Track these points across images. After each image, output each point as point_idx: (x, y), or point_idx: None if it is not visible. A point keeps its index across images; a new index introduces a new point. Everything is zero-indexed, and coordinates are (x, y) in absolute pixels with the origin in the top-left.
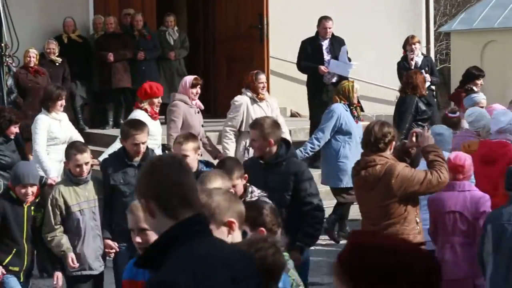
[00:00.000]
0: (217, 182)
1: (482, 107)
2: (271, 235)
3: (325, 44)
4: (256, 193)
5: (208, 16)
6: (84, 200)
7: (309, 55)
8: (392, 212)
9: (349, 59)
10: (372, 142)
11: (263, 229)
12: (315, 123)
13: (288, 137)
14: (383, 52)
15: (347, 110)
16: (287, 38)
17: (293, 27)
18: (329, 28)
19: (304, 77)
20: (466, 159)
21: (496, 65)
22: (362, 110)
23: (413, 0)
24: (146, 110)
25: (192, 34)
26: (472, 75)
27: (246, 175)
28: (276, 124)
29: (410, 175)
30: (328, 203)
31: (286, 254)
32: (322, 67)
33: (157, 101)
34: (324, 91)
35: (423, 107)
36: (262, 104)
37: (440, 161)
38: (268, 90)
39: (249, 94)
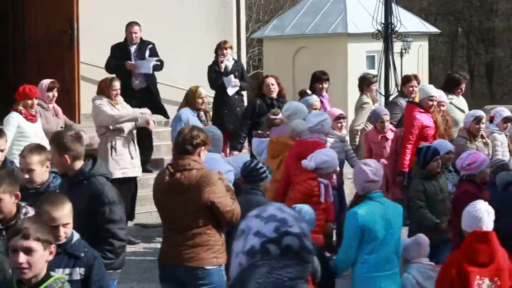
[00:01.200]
0: None
1: (315, 109)
2: None
3: (133, 49)
4: (30, 214)
5: (18, 21)
6: None
7: (118, 60)
8: (198, 220)
9: (160, 62)
10: (180, 142)
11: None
12: None
13: None
14: (195, 57)
15: (193, 115)
16: (98, 43)
17: (104, 32)
18: (135, 33)
19: None
20: None
21: (307, 70)
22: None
23: (225, 6)
24: (20, 112)
25: (1, 39)
26: (316, 77)
27: (18, 193)
28: (77, 138)
29: (221, 190)
30: None
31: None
32: (129, 62)
33: (31, 102)
34: (133, 97)
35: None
36: (118, 107)
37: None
38: (78, 96)
39: (105, 99)
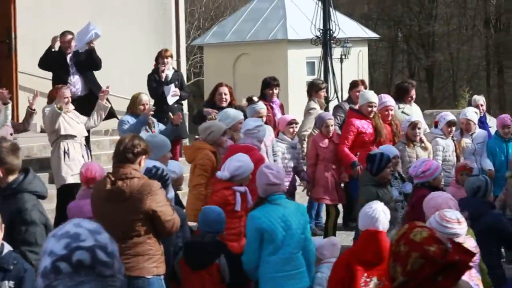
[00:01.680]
0: None
1: (261, 116)
2: None
3: (69, 57)
4: None
5: None
6: None
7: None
8: (138, 229)
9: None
10: (121, 151)
11: None
12: None
13: None
14: (135, 65)
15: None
16: (36, 52)
17: (42, 41)
18: (68, 42)
19: None
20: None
21: (248, 77)
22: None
23: (164, 14)
24: None
25: None
26: (267, 83)
27: None
28: (13, 150)
29: (163, 200)
30: None
31: None
32: (56, 40)
33: None
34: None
35: None
36: (71, 115)
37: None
38: (17, 106)
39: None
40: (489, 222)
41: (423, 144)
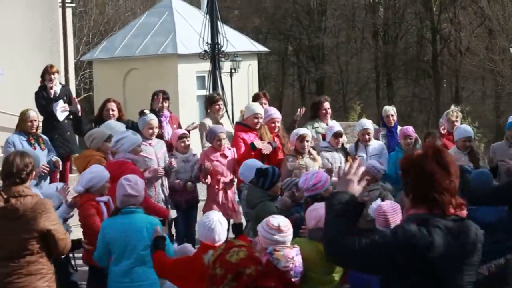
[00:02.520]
0: None
1: (151, 128)
2: None
3: None
4: None
5: None
6: None
7: None
8: (31, 247)
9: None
10: (15, 173)
11: None
12: None
13: None
14: (22, 82)
15: (23, 139)
16: None
17: None
18: None
19: None
20: None
21: (139, 92)
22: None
23: (51, 30)
24: None
25: None
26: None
27: None
28: None
29: (56, 218)
30: None
31: None
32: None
33: None
34: None
35: None
36: None
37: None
38: None
39: None
40: None
41: (311, 156)
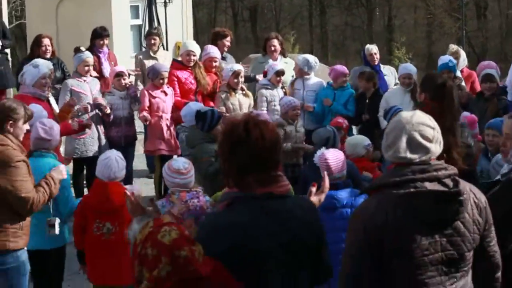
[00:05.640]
0: None
1: (87, 65)
2: None
3: None
4: None
5: None
6: None
7: None
8: None
9: None
10: None
11: None
12: None
13: None
14: None
15: None
16: None
17: None
18: None
19: None
20: None
21: (71, 22)
22: None
23: None
24: None
25: None
26: (97, 34)
27: None
28: None
29: (20, 174)
30: None
31: None
32: None
33: None
34: None
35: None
36: None
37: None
38: None
39: None
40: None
41: (244, 92)
